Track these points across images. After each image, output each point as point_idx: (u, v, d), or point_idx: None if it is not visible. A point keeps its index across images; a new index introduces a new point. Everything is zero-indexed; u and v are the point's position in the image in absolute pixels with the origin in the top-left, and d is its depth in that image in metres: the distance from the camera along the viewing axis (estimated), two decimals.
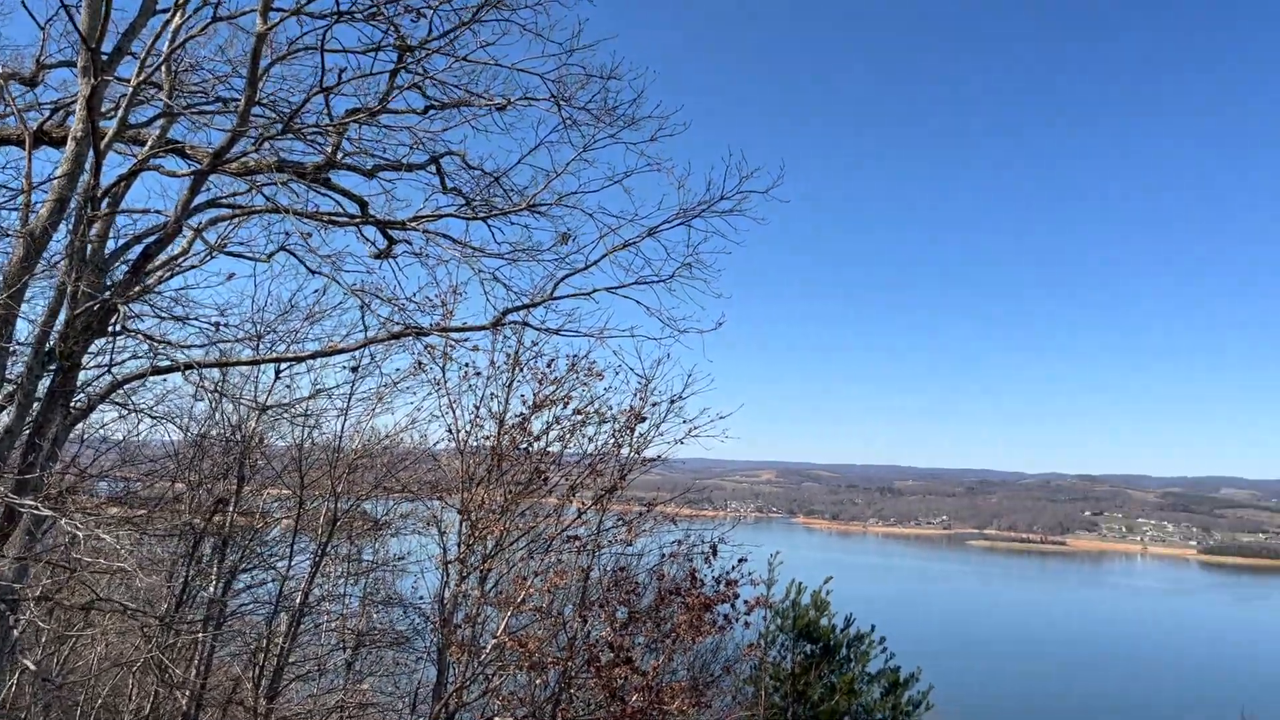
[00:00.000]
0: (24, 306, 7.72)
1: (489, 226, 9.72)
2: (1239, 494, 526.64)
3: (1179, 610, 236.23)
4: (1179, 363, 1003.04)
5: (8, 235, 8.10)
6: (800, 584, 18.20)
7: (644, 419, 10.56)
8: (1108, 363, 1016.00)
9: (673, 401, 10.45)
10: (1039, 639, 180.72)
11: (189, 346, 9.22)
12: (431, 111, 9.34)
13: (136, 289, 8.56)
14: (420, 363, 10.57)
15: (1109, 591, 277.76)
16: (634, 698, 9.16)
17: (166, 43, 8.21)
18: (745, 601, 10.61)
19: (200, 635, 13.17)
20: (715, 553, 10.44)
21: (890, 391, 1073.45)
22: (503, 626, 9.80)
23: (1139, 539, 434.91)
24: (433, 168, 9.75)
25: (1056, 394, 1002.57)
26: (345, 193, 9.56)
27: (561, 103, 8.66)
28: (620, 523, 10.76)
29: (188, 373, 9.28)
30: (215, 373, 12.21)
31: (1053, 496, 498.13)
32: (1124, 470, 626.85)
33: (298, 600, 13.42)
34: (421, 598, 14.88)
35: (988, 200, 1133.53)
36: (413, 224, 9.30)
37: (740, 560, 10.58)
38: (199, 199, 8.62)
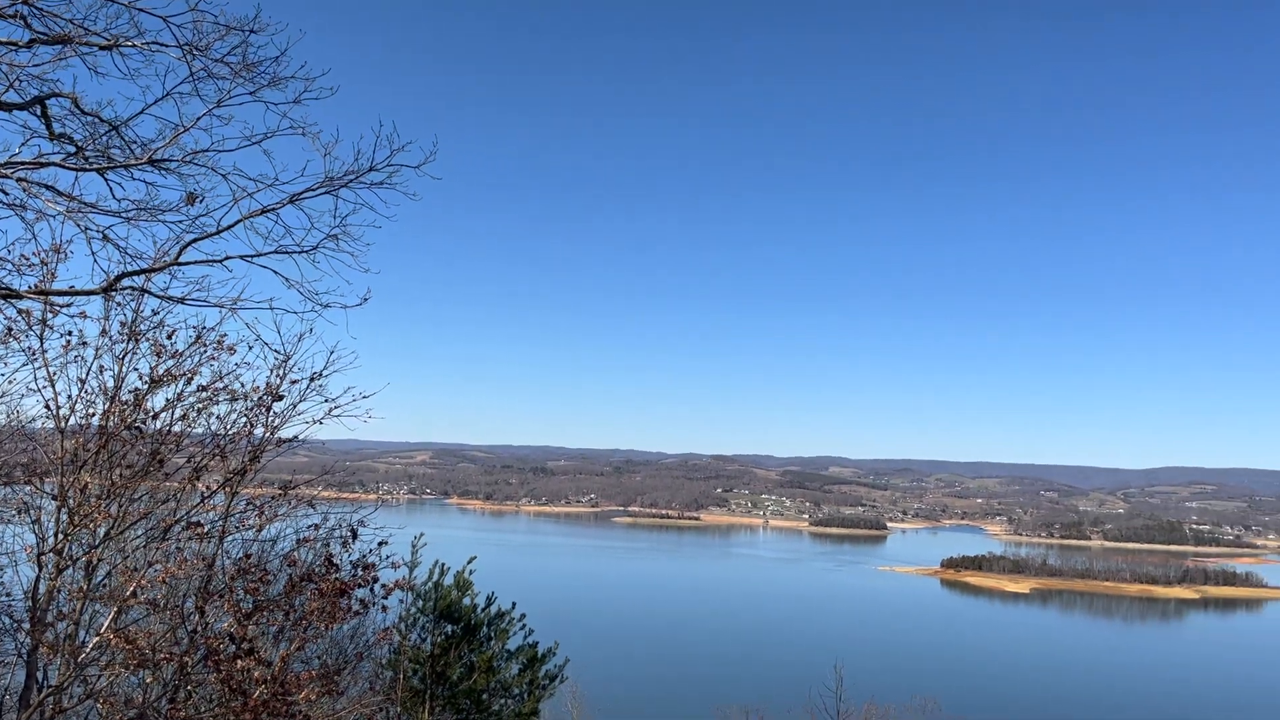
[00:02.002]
0: None
1: (106, 180, 8.70)
2: (844, 471, 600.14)
3: (788, 577, 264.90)
4: (796, 353, 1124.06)
5: None
6: (444, 565, 18.23)
7: (281, 397, 10.06)
8: (737, 351, 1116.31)
9: (313, 379, 10.05)
10: (671, 608, 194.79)
11: None
12: (37, 46, 8.19)
13: None
14: (11, 329, 9.29)
15: (734, 561, 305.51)
16: (258, 690, 8.71)
17: None
18: (384, 585, 10.44)
19: None
20: (355, 536, 10.17)
21: (543, 373, 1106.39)
22: (108, 622, 8.92)
23: (762, 513, 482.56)
24: (37, 109, 8.56)
25: (694, 380, 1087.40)
26: None
27: (194, 52, 7.92)
28: (251, 507, 10.18)
29: None
30: None
31: (690, 475, 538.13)
32: (751, 451, 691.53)
33: None
34: (10, 594, 13.16)
35: (640, 184, 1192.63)
36: (6, 170, 8.12)
37: (381, 543, 10.40)
38: None
